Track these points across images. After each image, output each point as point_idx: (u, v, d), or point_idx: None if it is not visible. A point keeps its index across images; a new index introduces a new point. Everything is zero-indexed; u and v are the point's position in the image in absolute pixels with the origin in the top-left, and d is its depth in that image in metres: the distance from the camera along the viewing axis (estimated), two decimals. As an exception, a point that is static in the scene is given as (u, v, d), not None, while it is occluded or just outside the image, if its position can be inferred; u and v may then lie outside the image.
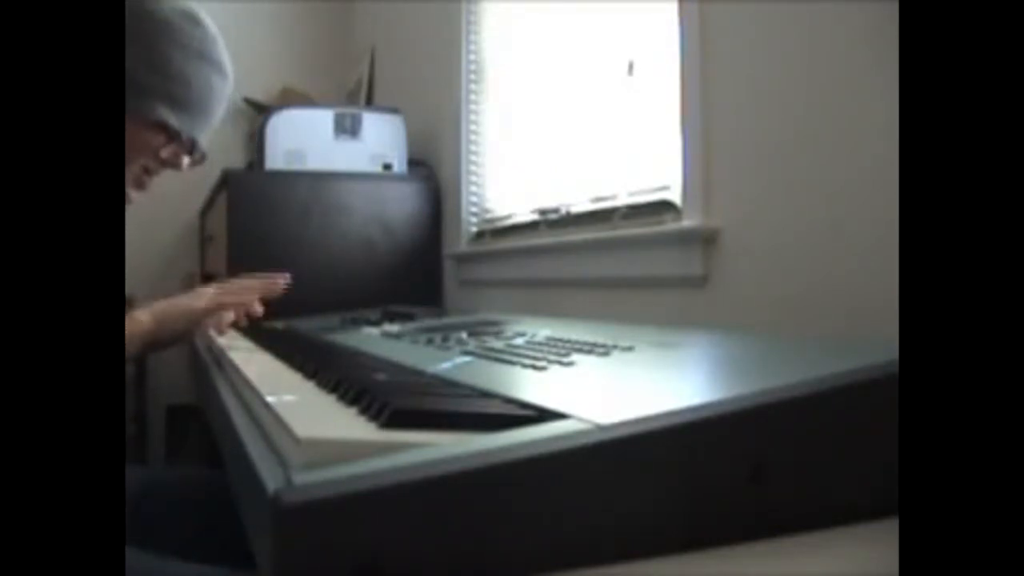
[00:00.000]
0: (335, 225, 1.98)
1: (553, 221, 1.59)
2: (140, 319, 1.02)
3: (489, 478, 0.36)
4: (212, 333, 1.03)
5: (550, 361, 0.63)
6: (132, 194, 1.03)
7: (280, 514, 0.33)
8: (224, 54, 1.06)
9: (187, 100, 1.00)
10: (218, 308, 1.04)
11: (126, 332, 0.99)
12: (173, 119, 0.99)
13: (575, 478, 0.37)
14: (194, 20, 1.02)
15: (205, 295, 1.08)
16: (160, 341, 1.05)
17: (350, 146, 2.08)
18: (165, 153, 1.02)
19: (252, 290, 1.08)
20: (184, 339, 1.08)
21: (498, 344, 0.78)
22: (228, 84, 1.07)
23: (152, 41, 0.98)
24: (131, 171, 1.01)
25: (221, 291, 1.09)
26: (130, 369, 2.55)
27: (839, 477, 0.43)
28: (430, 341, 0.87)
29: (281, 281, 1.10)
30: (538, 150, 1.72)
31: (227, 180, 1.96)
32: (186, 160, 1.04)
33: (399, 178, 2.10)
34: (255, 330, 1.20)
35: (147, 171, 1.03)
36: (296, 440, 0.39)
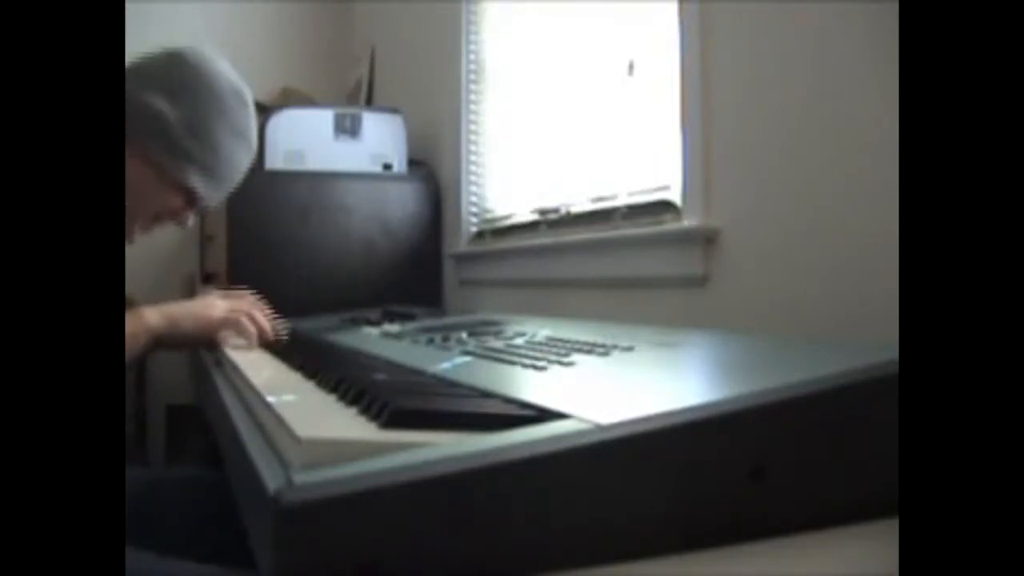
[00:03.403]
0: (335, 225, 1.98)
1: (553, 221, 1.59)
2: (148, 317, 0.99)
3: (489, 478, 0.36)
4: (234, 342, 1.00)
5: (550, 361, 0.63)
6: (136, 236, 1.04)
7: (280, 514, 0.33)
8: (255, 135, 1.09)
9: (218, 172, 1.04)
10: (233, 322, 1.02)
11: (132, 329, 0.96)
12: (201, 187, 1.02)
13: (575, 478, 0.37)
14: (242, 100, 1.06)
15: (218, 306, 1.05)
16: (168, 342, 1.02)
17: (350, 146, 2.08)
18: (182, 216, 1.04)
19: (260, 320, 1.05)
20: (194, 345, 1.06)
21: (498, 344, 0.78)
22: (251, 161, 1.09)
23: (202, 111, 1.01)
24: (144, 220, 1.03)
25: (233, 304, 1.07)
26: (130, 370, 2.55)
27: (839, 477, 0.43)
28: (430, 341, 0.87)
29: (283, 335, 1.05)
30: (538, 150, 1.72)
31: (227, 180, 1.96)
32: (191, 219, 1.07)
33: (399, 178, 2.10)
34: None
35: (157, 220, 1.05)
36: (296, 440, 0.39)
